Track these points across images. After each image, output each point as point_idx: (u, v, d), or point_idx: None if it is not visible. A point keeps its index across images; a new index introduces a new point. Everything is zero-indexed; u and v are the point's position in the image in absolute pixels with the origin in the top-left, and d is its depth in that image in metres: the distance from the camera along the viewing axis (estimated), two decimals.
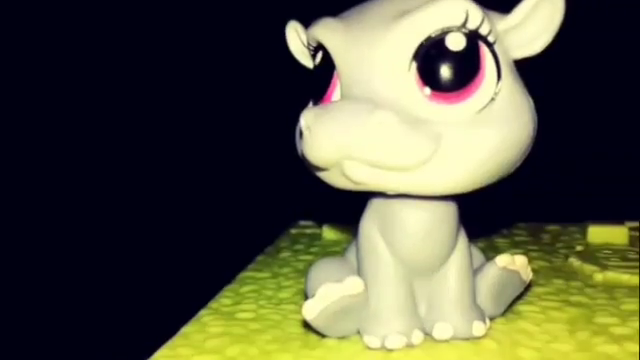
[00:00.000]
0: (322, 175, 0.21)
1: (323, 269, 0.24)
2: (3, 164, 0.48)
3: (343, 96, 0.21)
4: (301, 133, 0.20)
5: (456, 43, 0.20)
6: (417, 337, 0.22)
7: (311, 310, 0.22)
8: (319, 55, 0.22)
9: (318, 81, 0.22)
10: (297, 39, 0.24)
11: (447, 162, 0.19)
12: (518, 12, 0.20)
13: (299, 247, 0.35)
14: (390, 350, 0.22)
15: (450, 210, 0.22)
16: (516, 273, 0.24)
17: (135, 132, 0.51)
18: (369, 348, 0.22)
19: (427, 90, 0.20)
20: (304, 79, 0.24)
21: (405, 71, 0.20)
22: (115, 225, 0.46)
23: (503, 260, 0.23)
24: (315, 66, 0.23)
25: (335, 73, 0.21)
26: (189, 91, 0.51)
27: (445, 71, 0.20)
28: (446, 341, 0.22)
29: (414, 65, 0.20)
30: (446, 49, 0.20)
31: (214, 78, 0.49)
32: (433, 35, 0.20)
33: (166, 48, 0.51)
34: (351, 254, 0.25)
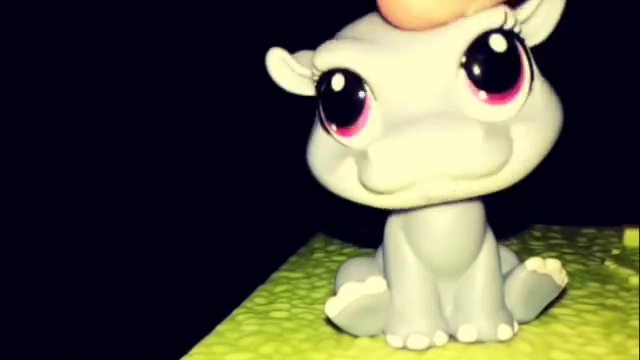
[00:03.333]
0: (381, 199, 0.21)
1: (351, 269, 0.25)
2: (4, 164, 0.49)
3: (386, 117, 0.20)
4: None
5: (499, 44, 0.20)
6: (440, 338, 0.22)
7: (333, 308, 0.22)
8: (337, 80, 0.21)
9: (344, 106, 0.21)
10: (283, 67, 0.23)
11: (516, 162, 0.20)
12: (529, 5, 0.21)
13: (332, 248, 0.35)
14: (420, 351, 0.22)
15: (475, 211, 0.22)
16: (548, 277, 0.23)
17: (179, 139, 0.52)
18: (392, 347, 0.22)
19: (482, 94, 0.20)
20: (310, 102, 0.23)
21: (454, 80, 0.20)
22: (154, 226, 0.46)
23: (533, 263, 0.23)
24: (334, 92, 0.21)
25: (368, 96, 0.21)
26: (223, 98, 0.51)
27: (496, 73, 0.20)
28: (479, 343, 0.22)
29: (462, 73, 0.20)
30: (491, 51, 0.20)
31: (252, 84, 0.50)
32: (476, 40, 0.20)
33: (193, 59, 0.52)
34: (379, 254, 0.25)
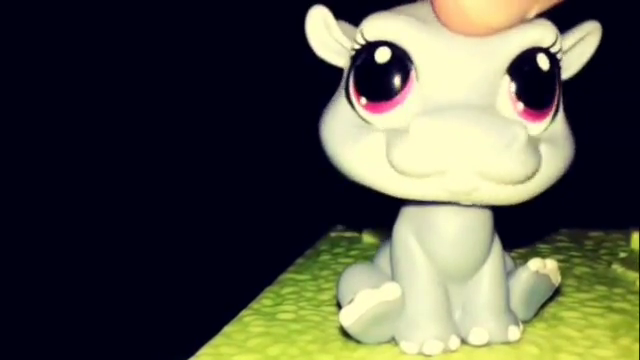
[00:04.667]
0: (399, 185, 0.20)
1: (355, 276, 0.24)
2: (4, 164, 0.49)
3: (426, 100, 0.20)
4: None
5: (544, 62, 0.20)
6: (454, 343, 0.22)
7: (349, 316, 0.22)
8: (383, 52, 0.20)
9: (383, 79, 0.20)
10: (322, 29, 0.22)
11: (541, 175, 0.20)
12: (572, 38, 0.21)
13: (339, 250, 0.35)
14: (429, 355, 0.22)
15: (485, 216, 0.22)
16: (546, 277, 0.24)
17: (187, 139, 0.52)
18: (399, 350, 0.22)
19: (520, 105, 0.20)
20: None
21: (499, 83, 0.20)
22: (161, 228, 0.46)
23: (535, 264, 0.23)
24: (375, 64, 0.20)
25: (412, 74, 0.20)
26: (233, 96, 0.51)
27: (538, 89, 0.20)
28: (486, 346, 0.22)
29: (507, 78, 0.20)
30: (537, 67, 0.20)
31: (261, 84, 0.50)
32: (525, 51, 0.20)
33: (203, 59, 0.52)
34: (381, 260, 0.24)
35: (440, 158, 0.19)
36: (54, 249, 0.45)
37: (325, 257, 0.34)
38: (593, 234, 0.37)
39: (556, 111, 0.21)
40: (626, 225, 0.36)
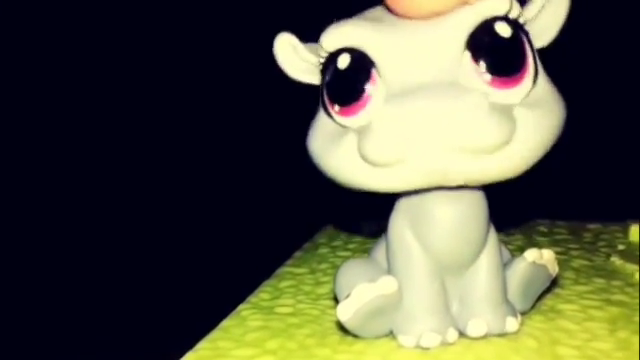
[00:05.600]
0: (380, 179, 0.21)
1: (352, 271, 0.24)
2: (5, 165, 0.49)
3: (390, 94, 0.20)
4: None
5: (504, 30, 0.20)
6: (452, 335, 0.22)
7: (346, 311, 0.22)
8: (343, 58, 0.21)
9: (348, 83, 0.21)
10: (290, 52, 0.23)
11: (519, 143, 0.20)
12: (535, 5, 0.21)
13: (337, 243, 0.35)
14: (426, 348, 0.22)
15: (481, 206, 0.22)
16: (543, 267, 0.24)
17: (183, 134, 0.52)
18: (396, 343, 0.22)
19: (487, 76, 0.20)
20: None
21: (459, 59, 0.20)
22: (159, 222, 0.46)
23: (532, 255, 0.23)
24: (339, 70, 0.21)
25: (373, 73, 0.21)
26: (228, 93, 0.51)
27: (500, 56, 0.20)
28: (484, 339, 0.22)
29: (467, 54, 0.20)
30: (497, 35, 0.20)
31: (258, 79, 0.50)
32: (482, 24, 0.20)
33: (193, 57, 0.52)
34: (378, 254, 0.25)
35: (404, 141, 0.19)
36: (54, 244, 0.45)
37: (323, 250, 0.34)
38: (591, 226, 0.37)
39: (535, 76, 0.21)
40: (624, 217, 0.36)
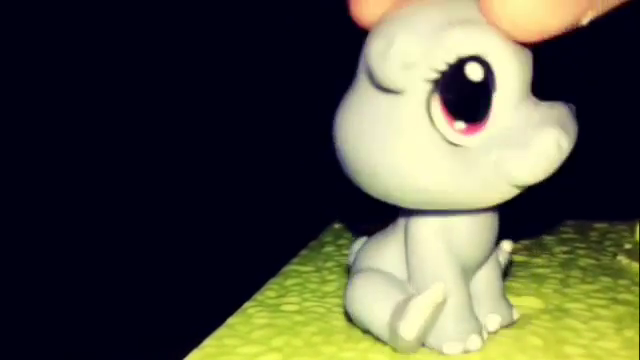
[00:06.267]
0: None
1: (371, 290, 0.22)
2: (5, 165, 0.49)
3: (506, 109, 0.19)
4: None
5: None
6: (485, 335, 0.22)
7: (411, 329, 0.21)
8: (474, 69, 0.19)
9: (480, 98, 0.19)
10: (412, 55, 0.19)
11: None
12: None
13: (343, 242, 0.35)
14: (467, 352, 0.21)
15: (495, 207, 0.22)
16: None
17: (192, 133, 0.52)
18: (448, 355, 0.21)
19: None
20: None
21: None
22: (166, 220, 0.46)
23: (509, 244, 0.24)
24: (470, 83, 0.19)
25: (497, 85, 0.19)
26: (233, 93, 0.51)
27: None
28: (490, 337, 0.22)
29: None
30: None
31: (264, 75, 0.50)
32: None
33: (197, 55, 0.52)
34: (380, 263, 0.23)
35: (561, 157, 0.19)
36: (57, 244, 0.45)
37: (329, 249, 0.34)
38: (598, 225, 0.37)
39: None
40: (631, 216, 0.36)
